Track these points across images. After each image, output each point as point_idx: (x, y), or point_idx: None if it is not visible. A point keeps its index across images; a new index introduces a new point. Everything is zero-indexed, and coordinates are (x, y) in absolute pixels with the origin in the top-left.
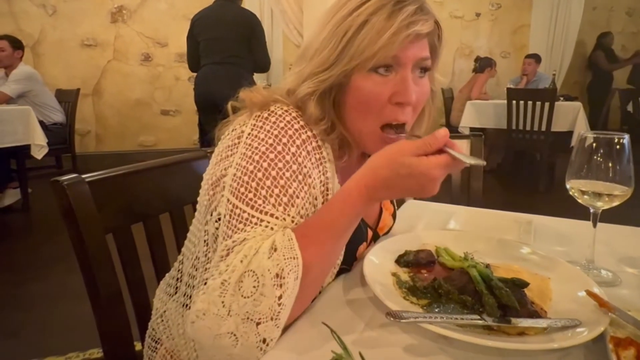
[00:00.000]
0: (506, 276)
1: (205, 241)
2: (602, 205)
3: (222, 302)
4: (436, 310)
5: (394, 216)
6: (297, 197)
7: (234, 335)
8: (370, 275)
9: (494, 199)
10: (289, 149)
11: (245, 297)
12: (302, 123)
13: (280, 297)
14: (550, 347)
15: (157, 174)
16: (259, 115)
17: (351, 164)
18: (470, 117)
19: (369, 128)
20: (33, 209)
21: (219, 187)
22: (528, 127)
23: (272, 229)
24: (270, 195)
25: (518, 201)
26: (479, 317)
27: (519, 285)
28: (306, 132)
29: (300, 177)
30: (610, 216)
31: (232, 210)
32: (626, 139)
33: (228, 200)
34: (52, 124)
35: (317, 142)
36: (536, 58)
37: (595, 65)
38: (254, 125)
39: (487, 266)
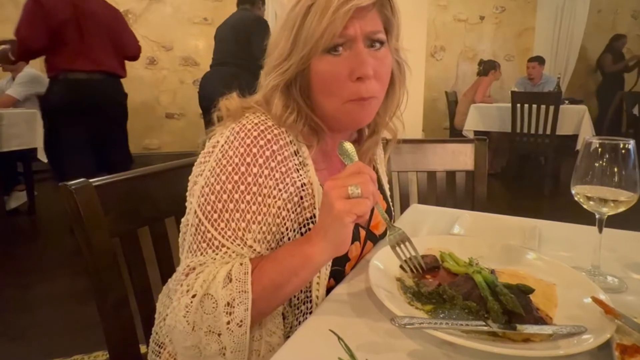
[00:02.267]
0: (511, 282)
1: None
2: (607, 211)
3: (187, 320)
4: (441, 316)
5: (388, 212)
6: (254, 223)
7: (198, 347)
8: (375, 280)
9: (499, 203)
10: (252, 170)
11: (207, 314)
12: (269, 137)
13: (228, 323)
14: (555, 354)
15: (163, 177)
16: (233, 129)
17: (327, 151)
18: (474, 120)
19: (334, 106)
20: (39, 212)
21: (190, 194)
22: (533, 131)
23: (230, 255)
24: (232, 220)
25: (522, 205)
26: (484, 323)
27: (524, 291)
28: (272, 146)
29: (259, 199)
30: (617, 221)
31: (198, 226)
32: (631, 144)
33: (195, 212)
34: None
35: (293, 148)
36: (539, 60)
37: (601, 67)
38: (227, 138)
39: (492, 272)
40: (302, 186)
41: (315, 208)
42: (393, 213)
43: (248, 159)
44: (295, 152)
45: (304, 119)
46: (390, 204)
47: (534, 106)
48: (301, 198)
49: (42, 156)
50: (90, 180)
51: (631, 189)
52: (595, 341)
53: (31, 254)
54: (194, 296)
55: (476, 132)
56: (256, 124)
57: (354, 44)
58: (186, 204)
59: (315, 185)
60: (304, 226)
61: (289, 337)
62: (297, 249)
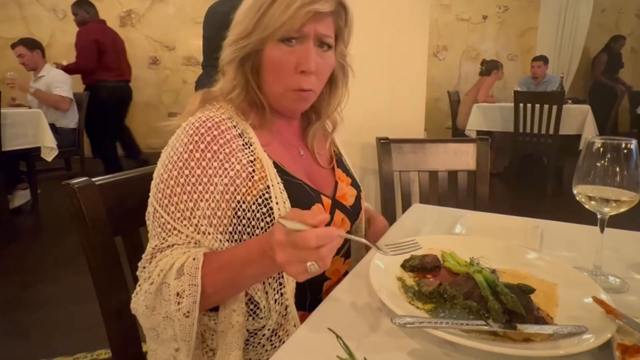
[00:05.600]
0: (512, 282)
1: None
2: (609, 211)
3: (146, 305)
4: (441, 315)
5: (354, 186)
6: (201, 201)
7: (156, 330)
8: (376, 279)
9: (501, 203)
10: (194, 155)
11: (166, 301)
12: (209, 124)
13: (177, 310)
14: (556, 353)
15: None
16: (182, 126)
17: (273, 130)
18: (476, 120)
19: (279, 90)
20: (42, 211)
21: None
22: (535, 130)
23: (181, 238)
24: (180, 201)
25: (525, 205)
26: (484, 323)
27: (525, 291)
28: (212, 132)
29: (205, 180)
30: (619, 221)
31: (154, 213)
32: (634, 144)
33: (152, 203)
34: (61, 126)
35: (237, 131)
36: (544, 60)
37: (594, 69)
38: (178, 135)
39: (493, 271)
40: (249, 163)
41: (267, 180)
42: (362, 193)
43: (190, 147)
44: (239, 134)
45: (246, 94)
46: (354, 177)
47: (537, 106)
48: (251, 173)
49: (45, 155)
50: (93, 179)
51: (633, 189)
52: (596, 341)
53: (34, 252)
54: (152, 284)
55: (479, 132)
56: (199, 117)
57: (305, 41)
58: None
59: (265, 160)
60: (261, 197)
61: (265, 322)
62: (254, 266)
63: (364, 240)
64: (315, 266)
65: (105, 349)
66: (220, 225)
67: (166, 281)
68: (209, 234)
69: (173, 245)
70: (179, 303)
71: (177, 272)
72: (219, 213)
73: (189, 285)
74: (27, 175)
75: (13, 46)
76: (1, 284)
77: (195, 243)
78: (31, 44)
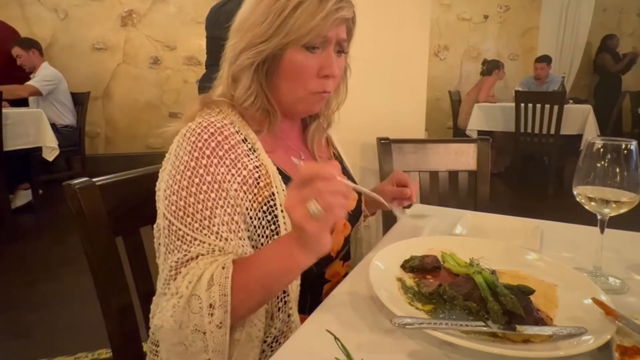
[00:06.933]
0: (512, 283)
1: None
2: (609, 212)
3: (174, 320)
4: (441, 316)
5: (359, 202)
6: (217, 207)
7: (184, 345)
8: (375, 280)
9: (501, 203)
10: (201, 162)
11: (194, 313)
12: (212, 130)
13: (210, 322)
14: (555, 355)
15: None
16: (182, 133)
17: (277, 134)
18: (477, 120)
19: (297, 95)
20: (43, 210)
21: (157, 200)
22: (537, 130)
23: (205, 248)
24: (196, 211)
25: (526, 206)
26: (483, 324)
27: (524, 292)
28: (216, 137)
29: (215, 186)
30: (619, 222)
31: (169, 226)
32: (634, 145)
33: (164, 215)
34: (63, 126)
35: (240, 137)
36: (547, 61)
37: (601, 67)
38: (179, 142)
39: (493, 272)
40: (255, 168)
41: (272, 187)
42: (363, 197)
43: (195, 154)
44: (243, 140)
45: (261, 102)
46: (358, 195)
47: (538, 106)
48: (257, 179)
49: (47, 155)
50: (94, 179)
51: (633, 190)
52: (595, 342)
53: (36, 252)
54: (181, 297)
55: (480, 132)
56: (200, 123)
57: (328, 46)
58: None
59: (269, 166)
60: (266, 204)
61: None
62: (282, 256)
63: (377, 196)
64: (316, 205)
65: (106, 349)
66: (239, 231)
67: (196, 293)
68: (231, 240)
69: (197, 256)
70: (211, 315)
71: (207, 283)
72: (235, 218)
73: (220, 295)
74: (29, 175)
75: (9, 48)
76: (2, 284)
77: (220, 250)
78: (26, 44)
